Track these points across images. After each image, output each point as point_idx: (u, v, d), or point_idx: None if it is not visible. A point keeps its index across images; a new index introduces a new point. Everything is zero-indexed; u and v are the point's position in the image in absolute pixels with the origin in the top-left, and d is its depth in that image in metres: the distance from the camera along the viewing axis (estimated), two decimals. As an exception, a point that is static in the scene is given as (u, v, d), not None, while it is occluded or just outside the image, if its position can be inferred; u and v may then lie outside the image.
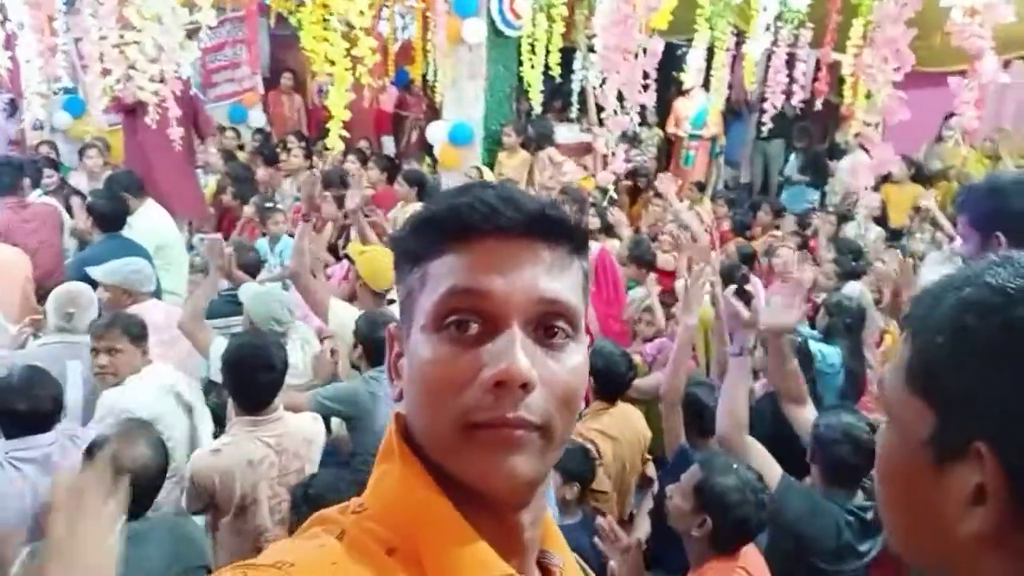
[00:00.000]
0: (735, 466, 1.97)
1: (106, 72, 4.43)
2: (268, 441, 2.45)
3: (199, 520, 2.49)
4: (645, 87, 4.66)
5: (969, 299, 0.54)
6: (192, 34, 3.88)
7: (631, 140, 7.20)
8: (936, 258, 5.05)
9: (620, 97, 4.99)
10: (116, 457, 1.90)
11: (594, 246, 4.22)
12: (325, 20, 3.12)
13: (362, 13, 3.09)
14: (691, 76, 6.43)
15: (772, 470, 2.14)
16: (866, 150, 4.30)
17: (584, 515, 2.72)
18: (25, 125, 6.60)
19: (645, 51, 4.53)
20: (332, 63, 3.03)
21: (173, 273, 4.28)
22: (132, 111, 4.83)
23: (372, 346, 2.78)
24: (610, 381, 3.03)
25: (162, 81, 4.01)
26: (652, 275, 4.49)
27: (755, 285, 4.04)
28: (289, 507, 2.21)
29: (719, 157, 8.20)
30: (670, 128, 7.91)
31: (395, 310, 3.66)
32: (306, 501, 1.94)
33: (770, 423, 2.77)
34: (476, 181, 0.75)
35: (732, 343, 2.37)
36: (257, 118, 8.49)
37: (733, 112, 8.60)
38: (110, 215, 3.95)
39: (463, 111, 6.28)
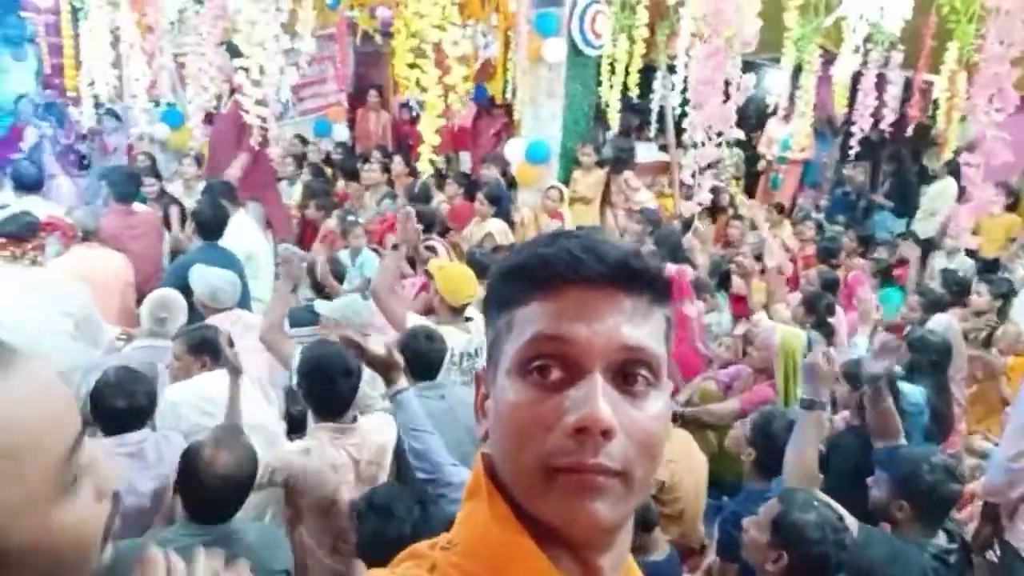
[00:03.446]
0: (815, 503, 1.92)
1: (204, 89, 4.65)
2: (349, 450, 2.50)
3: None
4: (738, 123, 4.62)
5: None
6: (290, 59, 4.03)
7: (711, 162, 7.11)
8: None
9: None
10: (208, 462, 2.01)
11: (670, 267, 4.18)
12: (417, 47, 3.20)
13: (456, 43, 3.17)
14: (780, 98, 6.32)
15: (847, 520, 2.07)
16: (961, 187, 4.14)
17: (670, 551, 2.68)
18: (132, 138, 6.99)
19: (738, 86, 4.49)
20: (424, 90, 3.11)
21: (261, 281, 4.45)
22: (242, 126, 4.87)
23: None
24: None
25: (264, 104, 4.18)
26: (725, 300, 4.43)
27: (839, 318, 3.92)
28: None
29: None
30: (761, 149, 7.77)
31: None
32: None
33: (853, 457, 2.70)
34: (562, 231, 0.76)
35: (805, 393, 2.24)
36: (341, 132, 8.76)
37: (817, 134, 8.40)
38: (213, 224, 4.07)
39: (541, 129, 6.32)
